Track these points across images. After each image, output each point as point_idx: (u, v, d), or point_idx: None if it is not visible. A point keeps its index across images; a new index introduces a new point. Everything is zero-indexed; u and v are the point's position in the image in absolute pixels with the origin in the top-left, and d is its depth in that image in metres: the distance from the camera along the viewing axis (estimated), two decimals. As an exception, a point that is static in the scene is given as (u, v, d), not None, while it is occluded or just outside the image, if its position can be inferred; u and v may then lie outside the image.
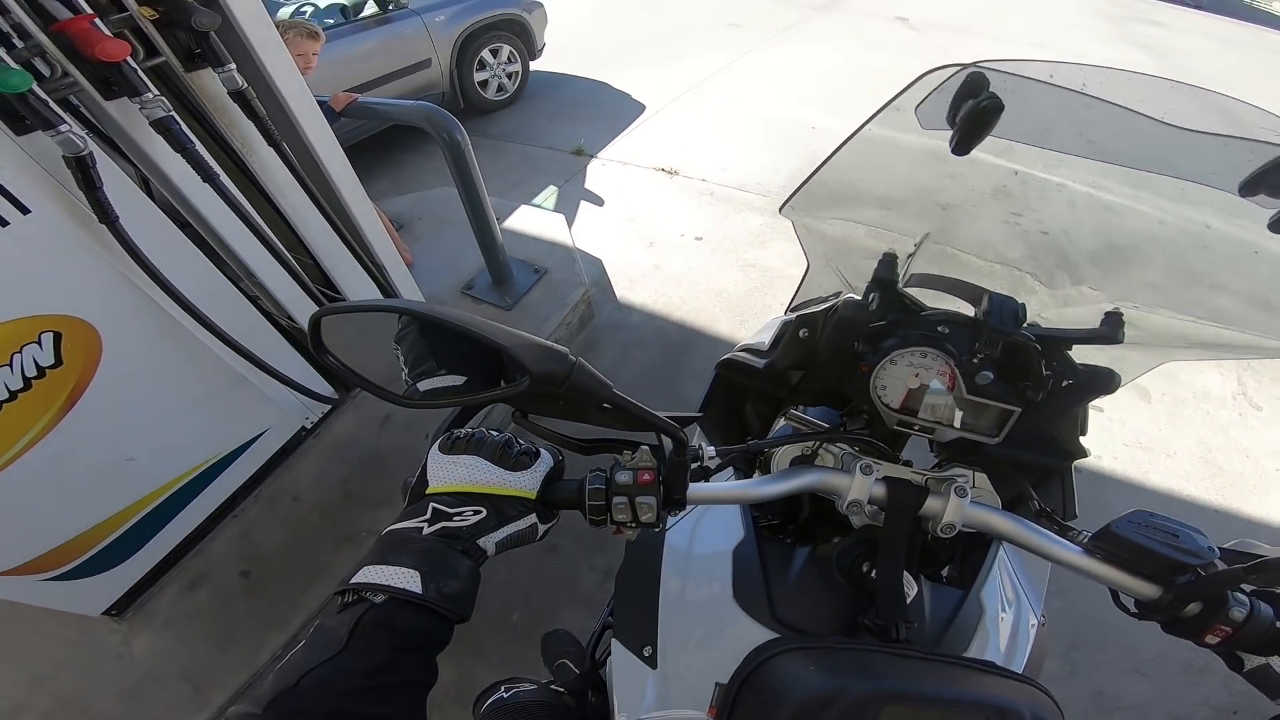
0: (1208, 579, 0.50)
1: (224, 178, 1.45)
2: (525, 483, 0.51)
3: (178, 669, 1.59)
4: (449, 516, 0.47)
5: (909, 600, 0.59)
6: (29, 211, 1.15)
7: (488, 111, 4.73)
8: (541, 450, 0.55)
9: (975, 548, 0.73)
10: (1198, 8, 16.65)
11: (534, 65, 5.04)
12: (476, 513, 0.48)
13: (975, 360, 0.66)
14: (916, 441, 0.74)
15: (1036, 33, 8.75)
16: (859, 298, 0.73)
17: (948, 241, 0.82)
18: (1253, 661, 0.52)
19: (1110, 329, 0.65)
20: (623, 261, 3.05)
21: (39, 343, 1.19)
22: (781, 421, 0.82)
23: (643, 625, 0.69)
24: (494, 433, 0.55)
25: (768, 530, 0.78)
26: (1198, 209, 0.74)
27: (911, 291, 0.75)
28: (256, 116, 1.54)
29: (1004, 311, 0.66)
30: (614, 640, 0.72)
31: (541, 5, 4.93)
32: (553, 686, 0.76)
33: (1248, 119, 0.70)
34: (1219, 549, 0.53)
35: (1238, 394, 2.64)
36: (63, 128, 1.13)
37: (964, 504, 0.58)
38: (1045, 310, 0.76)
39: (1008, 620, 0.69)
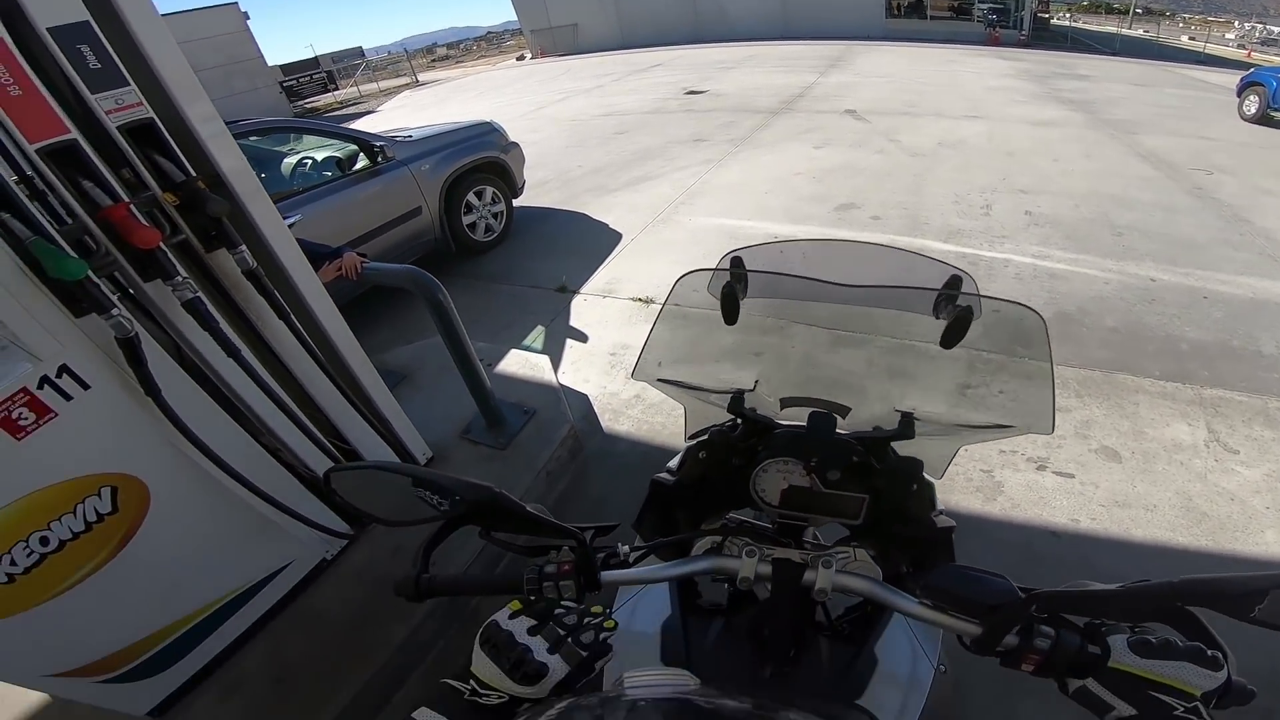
0: (1002, 615, 0.59)
1: (245, 351, 1.63)
2: (535, 694, 0.61)
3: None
4: (480, 695, 0.61)
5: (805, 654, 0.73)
6: (89, 387, 1.34)
7: (479, 253, 5.00)
8: (551, 666, 0.61)
9: (880, 611, 0.84)
10: (1114, 54, 17.97)
11: (517, 203, 5.33)
12: (500, 698, 0.61)
13: (814, 463, 0.83)
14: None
15: (971, 104, 9.30)
16: (725, 427, 0.91)
17: (781, 374, 1.01)
18: (1074, 684, 0.58)
19: (905, 428, 0.83)
20: (607, 394, 3.19)
21: (99, 495, 1.42)
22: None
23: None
24: (522, 641, 0.62)
25: (711, 607, 0.90)
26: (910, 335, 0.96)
27: (781, 411, 0.93)
28: (267, 293, 1.69)
29: (820, 427, 0.85)
30: None
31: (518, 145, 5.28)
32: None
33: (917, 265, 0.96)
34: (1028, 589, 0.60)
35: (1210, 441, 2.55)
36: (114, 311, 1.27)
37: (830, 573, 0.70)
38: (864, 417, 0.91)
39: (903, 670, 0.80)
